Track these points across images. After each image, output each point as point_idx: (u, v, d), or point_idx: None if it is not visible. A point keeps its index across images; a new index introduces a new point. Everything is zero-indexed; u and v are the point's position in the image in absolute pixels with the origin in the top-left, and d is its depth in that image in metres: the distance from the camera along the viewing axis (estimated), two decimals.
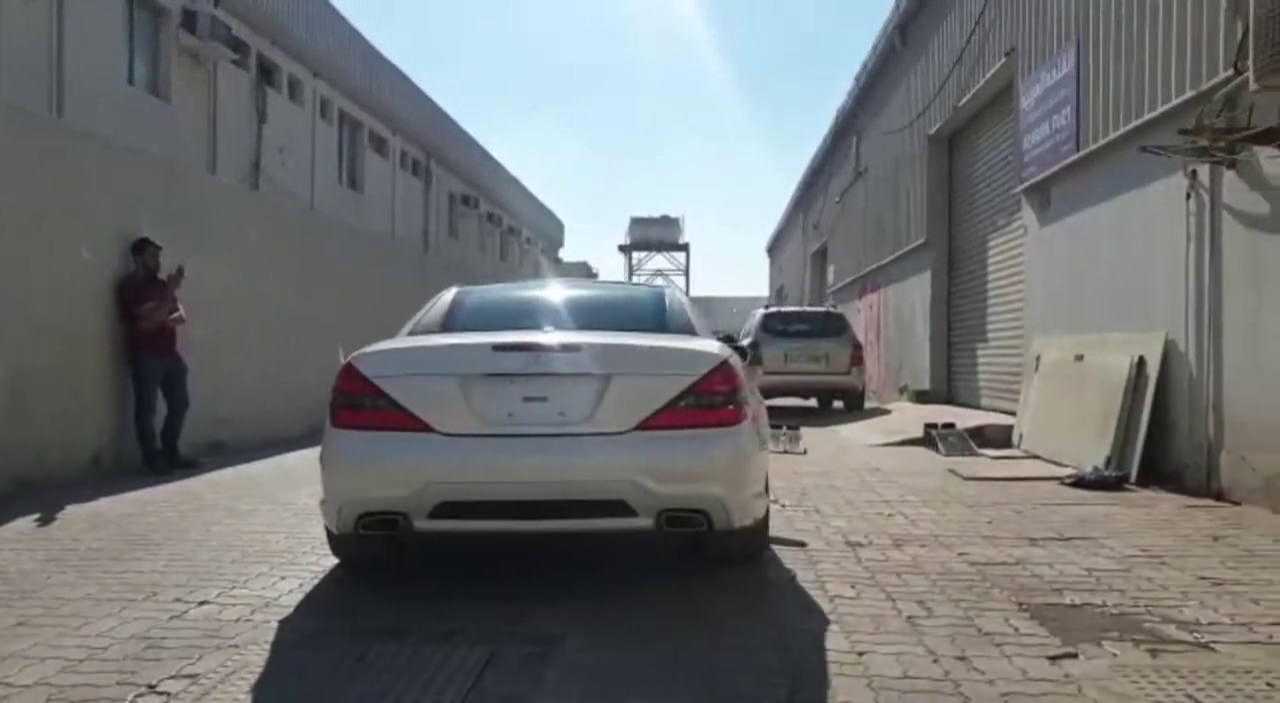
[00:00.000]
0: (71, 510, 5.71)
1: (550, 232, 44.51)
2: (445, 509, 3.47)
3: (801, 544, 4.75)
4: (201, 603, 3.65)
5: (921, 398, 14.63)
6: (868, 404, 15.30)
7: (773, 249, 47.98)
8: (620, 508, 3.47)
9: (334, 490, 3.57)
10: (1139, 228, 7.54)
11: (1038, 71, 9.90)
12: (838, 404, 15.09)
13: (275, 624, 3.36)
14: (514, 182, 36.64)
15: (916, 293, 15.55)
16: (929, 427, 9.81)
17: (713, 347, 3.84)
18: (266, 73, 17.21)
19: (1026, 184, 10.02)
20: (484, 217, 32.04)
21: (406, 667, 2.89)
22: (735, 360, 3.83)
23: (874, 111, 18.80)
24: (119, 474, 7.17)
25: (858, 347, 15.03)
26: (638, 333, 4.03)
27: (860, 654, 3.03)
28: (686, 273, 59.52)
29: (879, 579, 4.03)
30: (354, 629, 3.30)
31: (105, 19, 12.64)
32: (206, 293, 8.08)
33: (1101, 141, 8.12)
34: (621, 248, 59.31)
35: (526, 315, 4.31)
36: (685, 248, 59.23)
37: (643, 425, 3.53)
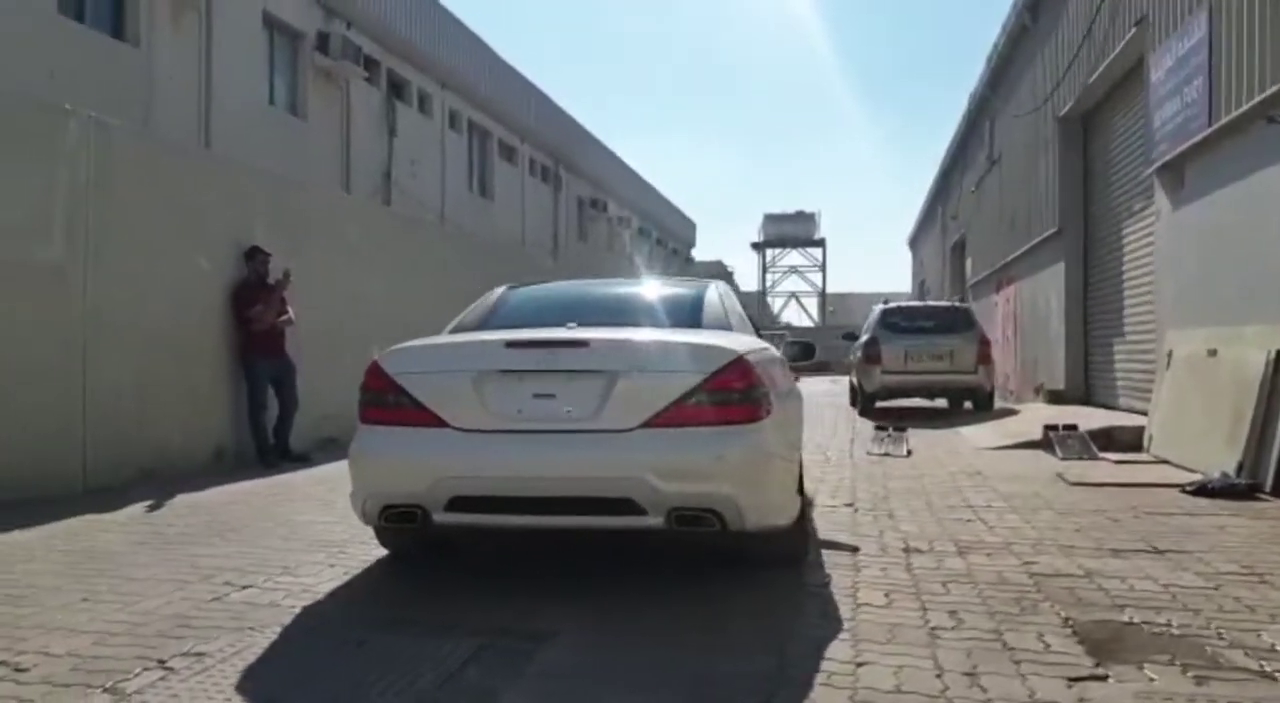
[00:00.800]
0: (180, 498, 6.10)
1: (681, 232, 44.63)
2: (459, 503, 3.51)
3: (854, 549, 4.55)
4: (245, 586, 3.82)
5: (1055, 398, 13.83)
6: (1001, 404, 14.57)
7: (914, 243, 46.59)
8: (627, 505, 3.42)
9: (359, 483, 3.68)
10: (1275, 209, 6.88)
11: (1169, 41, 9.19)
12: (968, 405, 14.44)
13: (299, 610, 3.48)
14: (643, 184, 36.96)
15: (1050, 286, 14.72)
16: (1048, 428, 9.25)
17: (728, 343, 3.72)
18: (397, 88, 17.98)
19: (1157, 164, 9.32)
20: (613, 219, 32.44)
21: (397, 656, 2.94)
22: (756, 357, 3.70)
23: (1005, 95, 17.93)
24: (237, 467, 7.63)
25: (985, 343, 14.32)
26: (664, 329, 3.97)
27: (859, 665, 2.86)
28: (823, 269, 58.49)
29: (921, 587, 3.81)
30: (367, 618, 3.39)
31: (248, 45, 13.52)
32: (316, 295, 8.49)
33: (1234, 114, 7.45)
34: (754, 246, 58.81)
35: (563, 312, 4.31)
36: (821, 244, 58.16)
37: (650, 422, 3.46)
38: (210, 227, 7.38)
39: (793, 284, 64.30)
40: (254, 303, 7.72)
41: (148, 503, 5.92)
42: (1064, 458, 8.42)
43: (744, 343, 3.89)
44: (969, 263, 25.88)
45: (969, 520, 5.34)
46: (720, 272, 55.38)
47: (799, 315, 62.28)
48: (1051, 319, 14.68)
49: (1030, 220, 15.82)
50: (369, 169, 16.52)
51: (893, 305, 15.62)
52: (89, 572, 4.10)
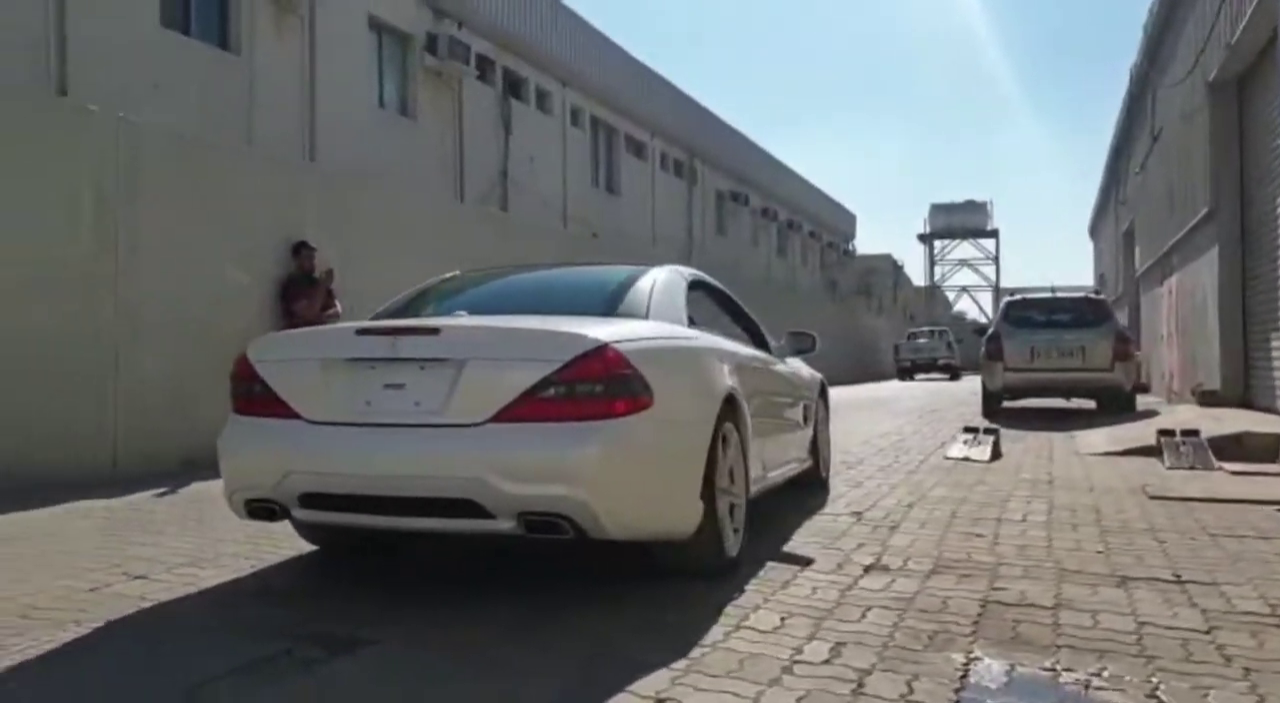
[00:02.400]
0: (192, 488, 6.20)
1: (838, 224, 43.30)
2: (310, 500, 3.31)
3: (806, 562, 4.05)
4: (137, 578, 3.75)
5: (1208, 399, 12.36)
6: (1155, 405, 13.16)
7: (1093, 231, 43.42)
8: (471, 508, 3.11)
9: (224, 476, 3.53)
10: None
11: None
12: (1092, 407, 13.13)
13: (149, 605, 3.36)
14: (792, 175, 36.05)
15: (1205, 273, 13.18)
16: (1161, 433, 8.20)
17: (594, 330, 3.32)
18: (514, 86, 18.18)
19: None
20: (756, 212, 31.80)
21: (173, 655, 2.76)
22: (633, 346, 3.29)
23: (1162, 65, 16.24)
24: None
25: (1123, 339, 12.95)
26: (555, 316, 3.63)
27: (659, 702, 2.45)
28: (996, 261, 55.43)
29: (836, 612, 3.30)
30: (199, 614, 3.25)
31: (353, 49, 13.97)
32: (371, 288, 8.56)
33: None
34: (921, 237, 56.41)
35: (477, 299, 4.07)
36: (994, 234, 55.10)
37: (498, 417, 3.13)
38: (255, 223, 7.56)
39: (963, 278, 61.37)
40: (299, 297, 7.87)
41: (159, 491, 6.08)
42: (1170, 467, 7.43)
43: (629, 330, 3.49)
44: (1137, 251, 23.79)
45: (979, 536, 4.69)
46: (889, 265, 53.56)
47: (972, 310, 59.30)
48: (1207, 311, 13.16)
49: (1185, 201, 14.25)
50: (483, 167, 16.78)
51: (1019, 297, 14.41)
52: (10, 554, 4.18)
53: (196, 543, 4.48)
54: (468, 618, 3.25)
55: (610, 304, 4.01)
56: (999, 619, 3.24)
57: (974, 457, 8.03)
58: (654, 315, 3.90)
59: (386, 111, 14.91)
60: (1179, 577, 3.86)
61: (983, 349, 13.27)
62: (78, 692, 2.58)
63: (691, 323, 4.19)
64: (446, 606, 3.42)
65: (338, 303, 8.12)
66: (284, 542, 4.36)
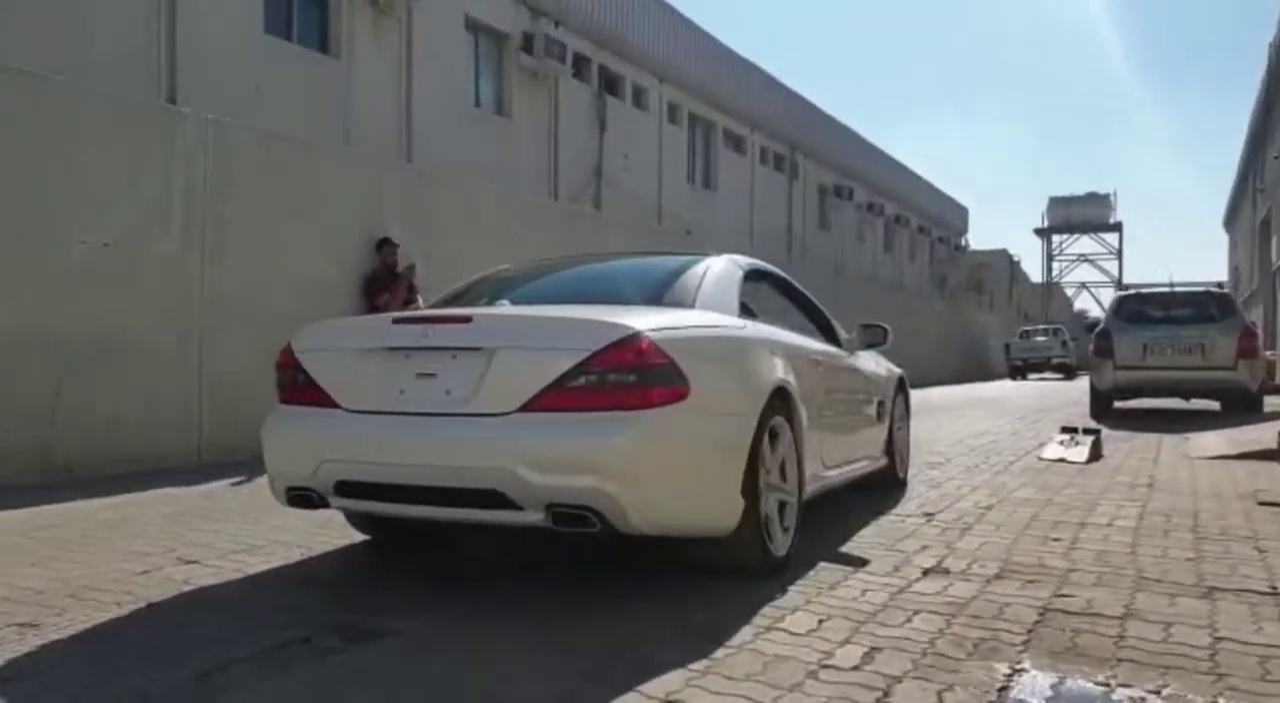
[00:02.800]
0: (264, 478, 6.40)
1: (948, 219, 41.99)
2: (346, 489, 3.32)
3: (862, 563, 3.87)
4: (190, 562, 3.86)
5: None
6: (1275, 408, 12.27)
7: (1228, 223, 40.97)
8: (497, 499, 3.05)
9: (267, 463, 3.58)
10: None
11: None
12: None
13: (196, 589, 3.44)
14: (900, 168, 35.13)
15: None
16: None
17: (628, 318, 3.21)
18: (610, 83, 18.22)
19: None
20: (861, 207, 31.08)
21: (194, 641, 2.79)
22: (669, 336, 3.18)
23: None
24: None
25: (1249, 335, 12.09)
26: (599, 305, 3.55)
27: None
28: (1119, 256, 52.74)
29: (881, 616, 3.12)
30: (237, 601, 3.29)
31: (450, 50, 14.22)
32: (449, 282, 8.69)
33: None
34: (1038, 231, 54.15)
35: (516, 289, 4.05)
36: (1117, 228, 52.45)
37: (527, 407, 3.07)
38: (339, 219, 7.74)
39: (1084, 273, 58.70)
40: (382, 292, 8.03)
41: (234, 480, 6.26)
42: None
43: (668, 320, 3.38)
44: (1274, 241, 22.26)
45: (1056, 540, 4.39)
46: (1004, 261, 51.70)
47: (1094, 308, 56.69)
48: None
49: None
50: (578, 165, 16.88)
51: (1131, 292, 13.63)
52: (80, 538, 4.35)
53: (255, 531, 4.58)
54: (496, 610, 3.21)
55: (656, 293, 3.91)
56: (1057, 629, 3.00)
57: (1070, 458, 7.60)
58: (701, 305, 3.78)
59: (482, 111, 15.14)
60: (1275, 589, 3.52)
61: (1091, 346, 12.60)
62: (94, 669, 2.63)
63: (746, 313, 4.05)
64: (479, 598, 3.39)
65: (420, 298, 8.26)
66: (338, 532, 4.42)
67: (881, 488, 5.75)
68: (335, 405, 3.38)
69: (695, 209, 20.46)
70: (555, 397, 3.06)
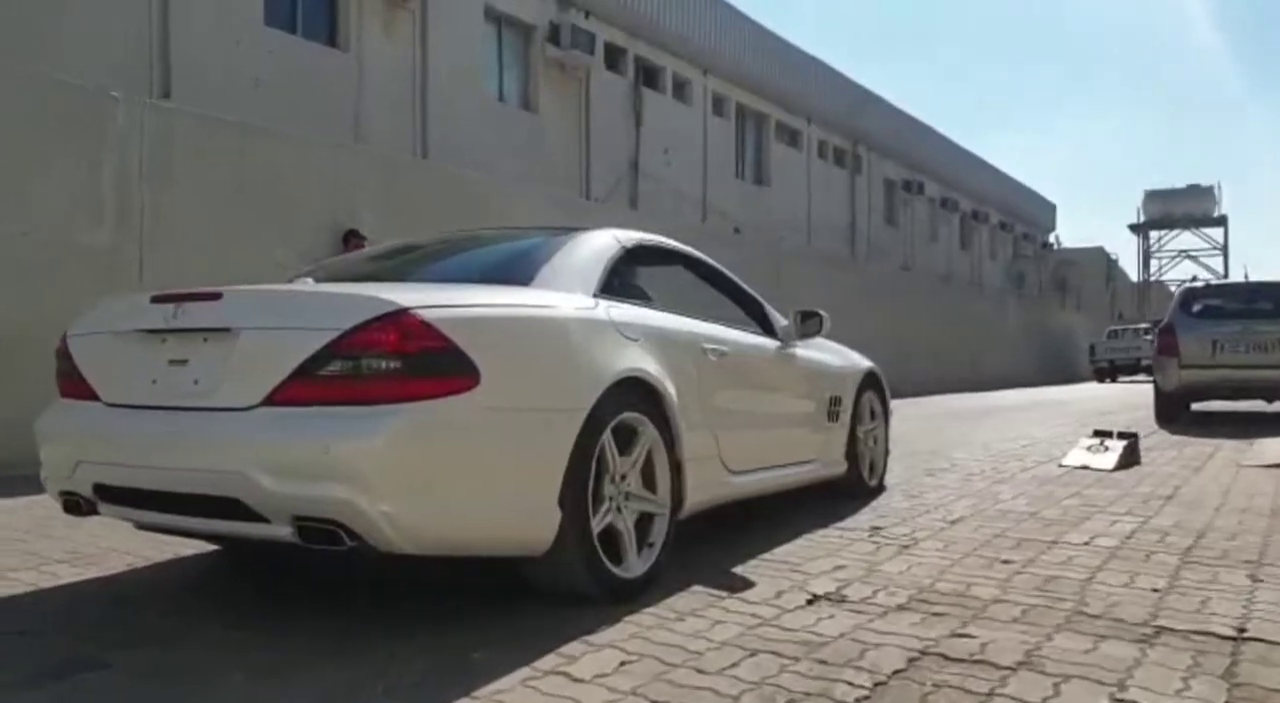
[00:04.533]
0: None
1: (1032, 214, 40.14)
2: (104, 493, 2.85)
3: (744, 587, 3.26)
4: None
5: None
6: None
7: None
8: (238, 508, 2.55)
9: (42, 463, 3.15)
10: None
11: None
12: None
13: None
14: (977, 162, 33.66)
15: None
16: None
17: (397, 293, 2.67)
18: (650, 75, 17.67)
19: None
20: (935, 202, 29.83)
21: None
22: (443, 314, 2.62)
23: None
24: None
25: None
26: (393, 283, 3.03)
27: None
28: (1224, 252, 49.58)
29: (702, 660, 2.51)
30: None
31: (470, 42, 13.88)
32: None
33: None
34: (1133, 227, 51.38)
35: (368, 269, 3.57)
36: (1221, 221, 49.36)
37: (271, 399, 2.55)
38: (299, 208, 7.38)
39: (1186, 271, 55.55)
40: None
41: None
42: None
43: (461, 296, 2.83)
44: None
45: (1005, 563, 3.68)
46: (1100, 258, 49.34)
47: None
48: None
49: None
50: (611, 160, 16.37)
51: (1199, 284, 12.42)
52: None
53: (107, 538, 4.17)
54: (251, 641, 2.71)
55: (497, 270, 3.40)
56: (915, 682, 2.36)
57: (1094, 465, 6.74)
58: (541, 283, 3.21)
59: (506, 105, 14.77)
60: (1241, 632, 2.78)
61: (1153, 344, 11.51)
62: None
63: (618, 294, 3.46)
64: (251, 624, 2.90)
65: None
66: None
67: (846, 497, 5.08)
68: (95, 398, 2.93)
69: (744, 205, 19.75)
70: (300, 387, 2.53)
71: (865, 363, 5.37)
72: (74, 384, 3.02)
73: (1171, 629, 2.80)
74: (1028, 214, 39.38)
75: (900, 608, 3.05)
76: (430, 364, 2.55)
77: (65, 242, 5.97)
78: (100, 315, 3.09)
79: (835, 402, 4.89)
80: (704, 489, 3.63)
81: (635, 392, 3.17)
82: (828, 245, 22.81)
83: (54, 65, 8.79)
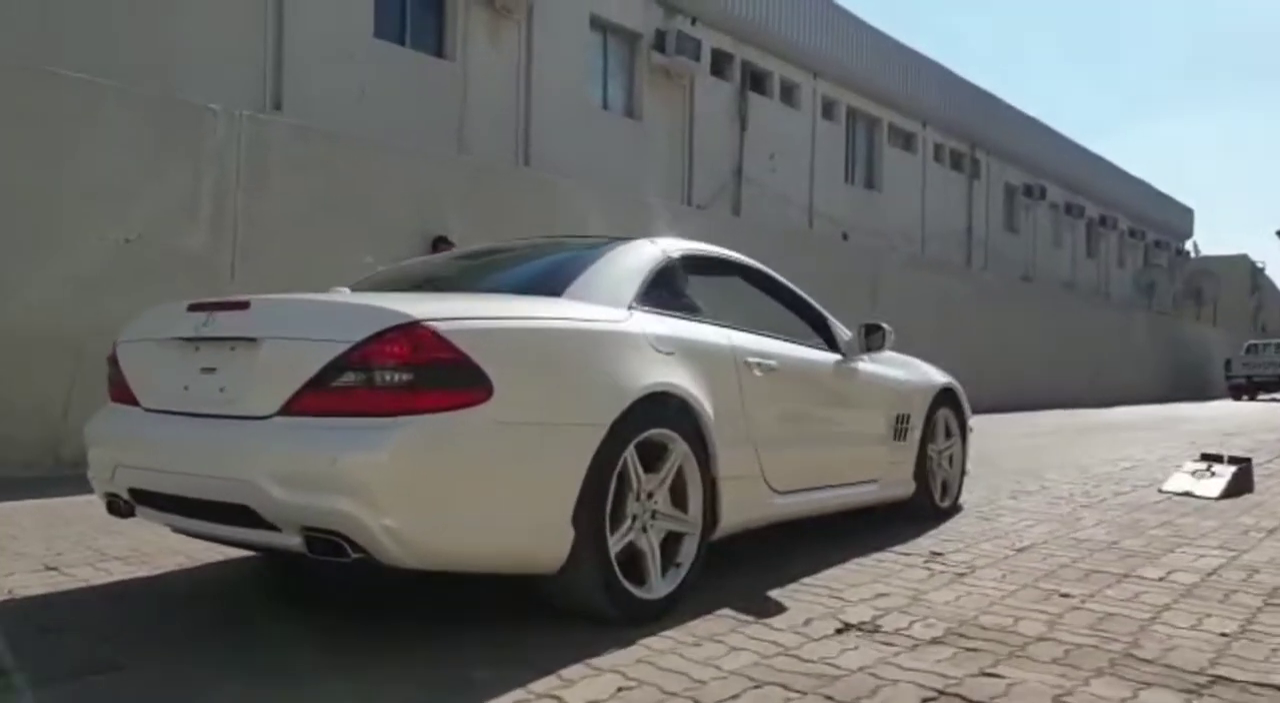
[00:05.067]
0: None
1: (1167, 220, 38.00)
2: (140, 497, 2.97)
3: (775, 612, 3.16)
4: (50, 569, 3.68)
5: None
6: None
7: None
8: (250, 516, 2.61)
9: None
10: None
11: None
12: None
13: (33, 594, 3.22)
14: (1105, 165, 32.07)
15: None
16: None
17: (411, 304, 2.68)
18: (756, 80, 17.49)
19: None
20: (1058, 207, 28.58)
21: None
22: (455, 326, 2.62)
23: None
24: None
25: None
26: (458, 293, 3.09)
27: None
28: None
29: (704, 691, 2.45)
30: (48, 617, 3.03)
31: (575, 51, 14.03)
32: None
33: None
34: None
35: (434, 277, 3.67)
36: None
37: (288, 408, 2.61)
38: (390, 216, 7.59)
39: None
40: None
41: None
42: None
43: (476, 308, 2.84)
44: None
45: (1064, 596, 3.47)
46: (1244, 266, 46.43)
47: None
48: None
49: None
50: (714, 165, 16.27)
51: None
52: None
53: (169, 539, 4.35)
54: (262, 649, 2.78)
55: (529, 281, 3.42)
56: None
57: (1198, 492, 6.29)
58: (574, 294, 3.19)
59: (610, 113, 14.86)
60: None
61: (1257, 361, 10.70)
62: None
63: (651, 304, 3.40)
64: (269, 631, 2.99)
65: None
66: None
67: (914, 518, 4.89)
68: (136, 403, 3.06)
69: (854, 211, 19.35)
70: (315, 397, 2.58)
71: (940, 378, 5.16)
72: (120, 390, 3.16)
73: (1229, 679, 2.58)
74: (1160, 220, 37.29)
75: (934, 641, 2.90)
76: (441, 376, 2.55)
77: (166, 249, 6.29)
78: (146, 323, 3.23)
79: (903, 419, 4.71)
80: (743, 509, 3.55)
81: (666, 406, 3.12)
82: (942, 252, 22.12)
83: (179, 81, 9.35)
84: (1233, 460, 6.88)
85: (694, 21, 15.65)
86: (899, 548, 4.28)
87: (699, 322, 3.55)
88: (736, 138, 16.87)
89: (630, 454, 2.97)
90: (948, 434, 5.23)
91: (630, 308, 3.26)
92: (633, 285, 3.35)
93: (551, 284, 3.24)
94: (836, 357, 4.34)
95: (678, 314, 3.48)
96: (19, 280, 5.75)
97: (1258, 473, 7.75)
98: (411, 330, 2.56)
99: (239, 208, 6.67)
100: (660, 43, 14.93)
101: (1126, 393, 21.55)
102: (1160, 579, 3.77)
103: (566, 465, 2.76)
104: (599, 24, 14.49)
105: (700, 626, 3.00)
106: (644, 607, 3.00)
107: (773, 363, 3.75)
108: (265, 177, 6.81)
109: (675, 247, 3.76)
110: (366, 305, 2.70)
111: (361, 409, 2.54)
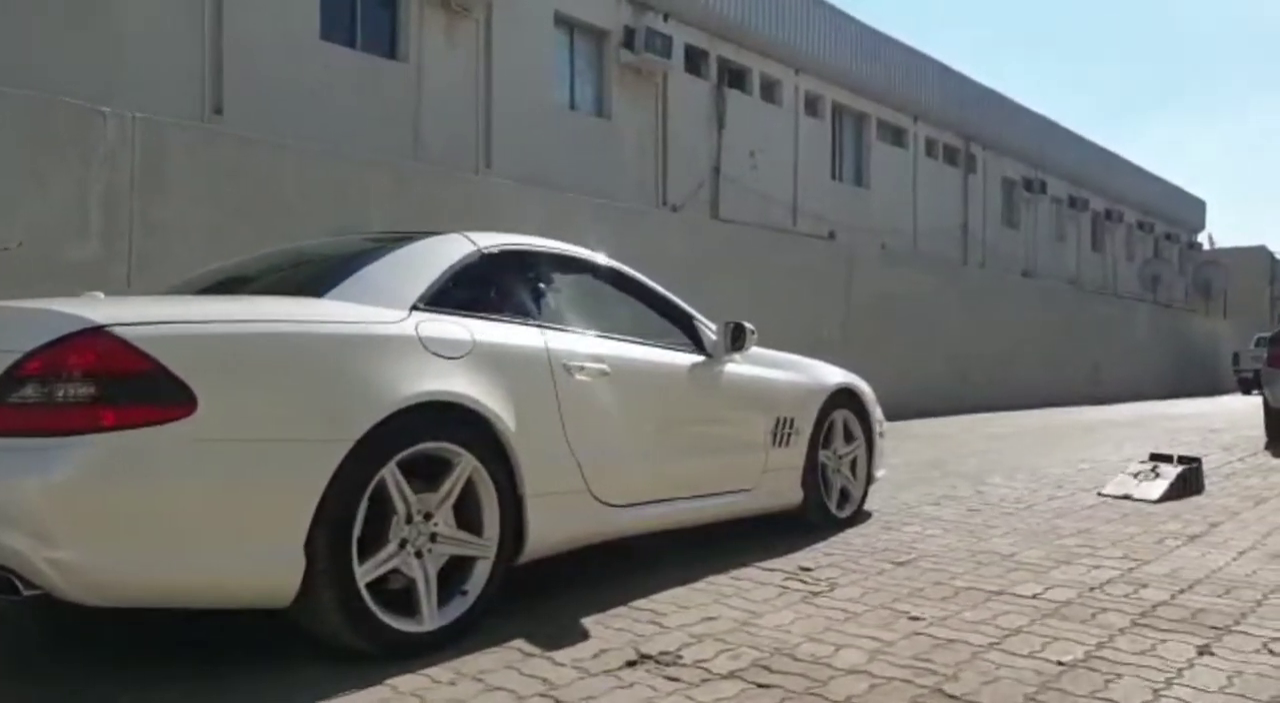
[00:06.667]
0: None
1: (1175, 212, 37.29)
2: None
3: (580, 638, 2.87)
4: None
5: None
6: None
7: None
8: None
9: None
10: None
11: None
12: None
13: None
14: (1111, 157, 31.49)
15: None
16: None
17: (96, 308, 2.41)
18: (737, 76, 17.17)
19: None
20: (1060, 202, 28.05)
21: None
22: (149, 333, 2.34)
23: None
24: None
25: None
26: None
27: None
28: None
29: None
30: None
31: (538, 50, 13.78)
32: None
33: None
34: None
35: (205, 284, 3.41)
36: None
37: None
38: (307, 219, 7.31)
39: None
40: None
41: None
42: None
43: (183, 310, 2.56)
44: None
45: (914, 619, 3.14)
46: (1260, 257, 45.56)
47: None
48: None
49: None
50: (691, 165, 15.96)
51: None
52: None
53: None
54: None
55: (300, 281, 3.17)
56: None
57: (1136, 495, 5.94)
58: (340, 294, 2.91)
59: (578, 113, 14.59)
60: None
61: (1265, 355, 10.27)
62: None
63: (448, 305, 3.10)
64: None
65: None
66: None
67: (808, 528, 4.57)
68: None
69: (841, 208, 18.96)
70: None
71: (835, 378, 4.83)
72: None
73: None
74: (1170, 212, 36.57)
75: (730, 675, 2.60)
76: (129, 389, 2.29)
77: (52, 257, 6.06)
78: None
79: (786, 424, 4.39)
80: (563, 527, 3.26)
81: (443, 417, 2.83)
82: (936, 249, 21.69)
83: (114, 87, 9.16)
84: (1181, 460, 6.51)
85: (666, 18, 15.36)
86: (767, 563, 3.97)
87: (507, 323, 3.25)
88: (714, 136, 16.56)
89: (392, 472, 2.69)
90: (848, 438, 4.90)
91: (414, 309, 2.98)
92: (420, 284, 3.06)
93: (316, 284, 2.96)
94: (698, 358, 4.03)
95: (480, 316, 3.19)
96: None
97: (1220, 473, 7.39)
98: (92, 337, 2.29)
99: (134, 215, 6.44)
100: (630, 40, 14.65)
101: (1130, 389, 21.03)
102: (1033, 597, 3.45)
103: (295, 487, 2.47)
104: (564, 22, 14.22)
105: (473, 661, 2.70)
106: (410, 641, 2.71)
107: (603, 366, 3.45)
108: (164, 182, 6.57)
109: (491, 241, 3.46)
110: (45, 310, 2.42)
111: (38, 427, 2.27)
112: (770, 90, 18.04)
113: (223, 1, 10.22)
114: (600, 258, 3.97)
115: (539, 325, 3.36)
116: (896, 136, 21.61)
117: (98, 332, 2.29)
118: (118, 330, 2.30)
